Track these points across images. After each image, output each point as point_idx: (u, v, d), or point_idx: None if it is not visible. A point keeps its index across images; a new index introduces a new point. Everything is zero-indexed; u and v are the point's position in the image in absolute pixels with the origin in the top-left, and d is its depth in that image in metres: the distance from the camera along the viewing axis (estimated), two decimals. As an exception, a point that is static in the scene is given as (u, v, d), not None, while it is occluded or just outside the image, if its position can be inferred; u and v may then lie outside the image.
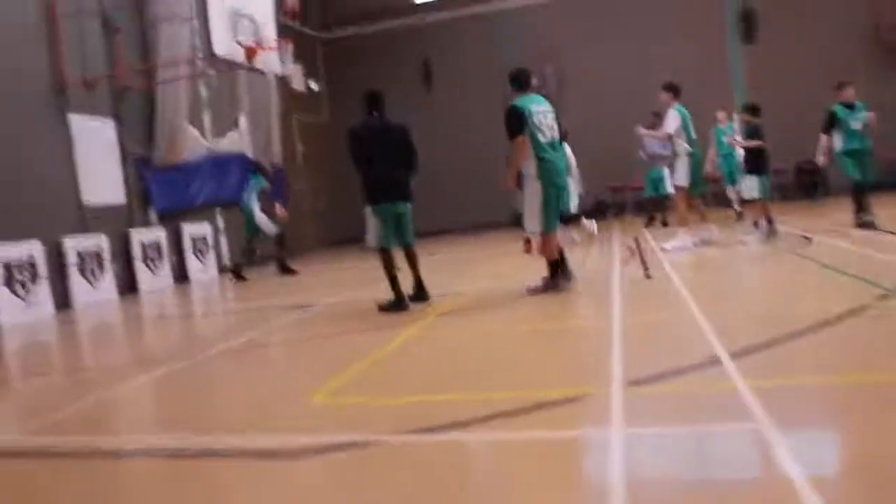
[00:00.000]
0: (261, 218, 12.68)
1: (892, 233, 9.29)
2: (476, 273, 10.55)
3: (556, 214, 7.32)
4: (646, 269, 8.49)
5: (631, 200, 19.53)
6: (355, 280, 11.26)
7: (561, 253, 7.45)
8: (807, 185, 18.59)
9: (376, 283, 8.00)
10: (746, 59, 19.71)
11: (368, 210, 7.34)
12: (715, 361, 4.11)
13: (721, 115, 14.28)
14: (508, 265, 10.32)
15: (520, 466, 3.04)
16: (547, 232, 7.20)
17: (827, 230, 10.16)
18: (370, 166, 7.20)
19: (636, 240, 12.01)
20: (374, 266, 7.72)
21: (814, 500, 2.39)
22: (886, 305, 5.27)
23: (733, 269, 8.60)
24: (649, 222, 14.63)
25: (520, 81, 7.29)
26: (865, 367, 4.04)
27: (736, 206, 14.00)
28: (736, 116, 13.93)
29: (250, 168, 14.05)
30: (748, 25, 19.77)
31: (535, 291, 7.37)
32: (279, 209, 13.18)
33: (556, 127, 7.24)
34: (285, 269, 13.03)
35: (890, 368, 3.92)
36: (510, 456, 3.21)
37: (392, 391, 4.41)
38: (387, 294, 7.37)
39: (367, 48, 21.20)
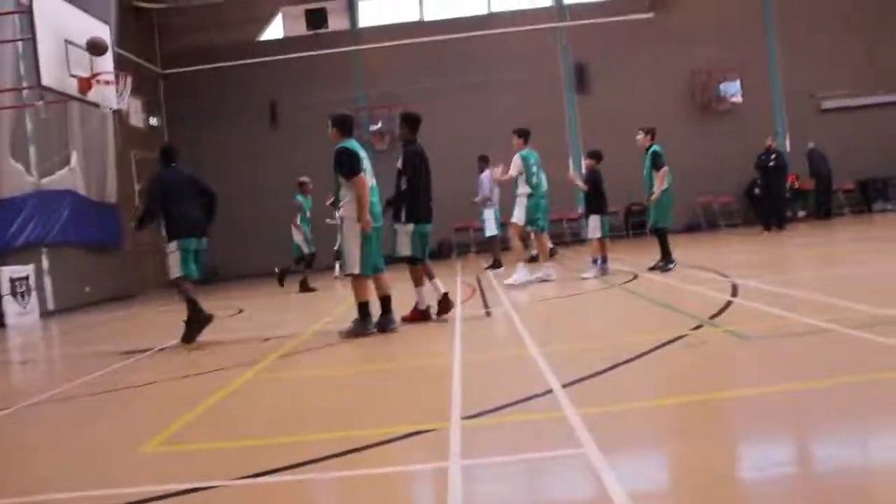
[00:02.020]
0: (298, 237, 13.38)
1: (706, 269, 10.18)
2: (319, 313, 10.47)
3: (372, 257, 7.30)
4: (486, 306, 8.79)
5: (474, 240, 20.16)
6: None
7: (386, 296, 7.45)
8: (635, 224, 20.05)
9: (220, 322, 7.76)
10: (580, 109, 21.09)
11: (173, 245, 8.00)
12: (548, 392, 4.34)
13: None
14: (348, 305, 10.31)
15: (362, 503, 3.07)
16: (362, 274, 7.24)
17: (650, 267, 10.93)
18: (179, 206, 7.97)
19: (477, 278, 12.40)
20: (217, 307, 7.51)
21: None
22: (700, 334, 5.77)
23: (567, 304, 9.06)
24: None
25: (346, 125, 7.38)
26: (682, 390, 4.42)
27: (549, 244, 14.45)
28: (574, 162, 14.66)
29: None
30: (581, 78, 21.18)
31: (348, 335, 7.27)
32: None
33: (373, 173, 7.48)
34: (305, 288, 13.36)
35: (704, 390, 4.34)
36: (352, 494, 3.23)
37: (230, 435, 4.31)
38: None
39: (212, 85, 20.71)
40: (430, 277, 7.90)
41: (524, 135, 10.69)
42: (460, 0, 21.99)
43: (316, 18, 21.62)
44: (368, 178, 7.24)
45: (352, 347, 6.97)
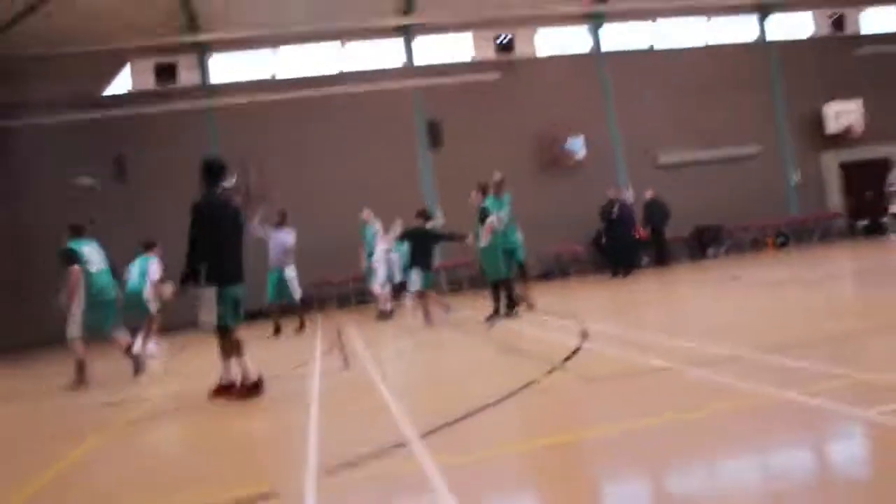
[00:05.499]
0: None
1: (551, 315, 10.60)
2: (166, 375, 10.00)
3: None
4: (345, 359, 8.72)
5: (335, 294, 20.01)
6: (31, 388, 10.04)
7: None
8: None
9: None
10: (434, 164, 21.63)
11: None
12: (405, 444, 4.35)
13: (366, 213, 14.63)
14: (196, 365, 9.94)
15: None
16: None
17: (503, 315, 11.23)
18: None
19: (338, 331, 12.29)
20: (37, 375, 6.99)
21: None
22: (552, 378, 5.99)
23: (423, 355, 9.13)
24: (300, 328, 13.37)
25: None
26: (536, 434, 4.57)
27: (383, 306, 14.28)
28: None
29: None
30: (434, 134, 21.78)
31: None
32: None
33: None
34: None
35: (556, 433, 4.51)
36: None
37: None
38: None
39: (55, 139, 19.60)
40: (241, 354, 6.98)
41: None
42: (312, 58, 22.14)
43: (165, 73, 21.10)
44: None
45: (200, 410, 6.67)
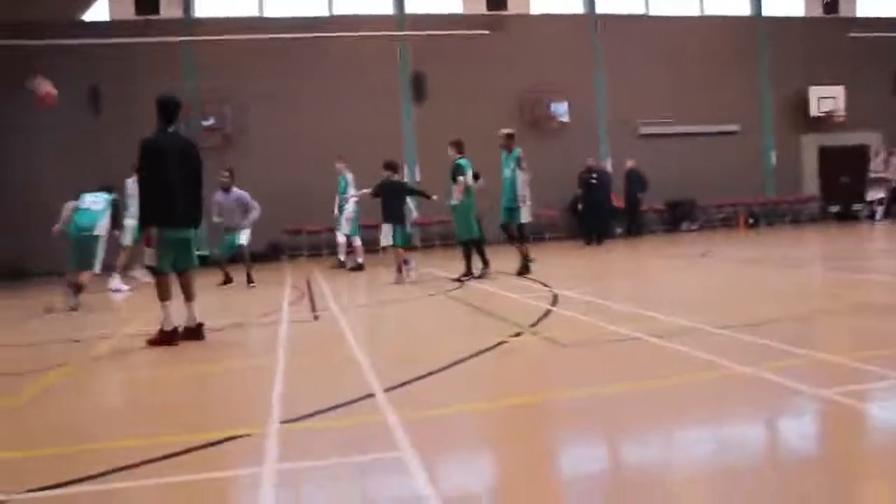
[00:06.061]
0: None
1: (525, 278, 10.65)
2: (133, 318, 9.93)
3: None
4: (314, 310, 8.70)
5: (306, 243, 19.90)
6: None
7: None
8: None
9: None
10: (416, 118, 21.42)
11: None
12: (369, 397, 4.36)
13: (340, 165, 14.47)
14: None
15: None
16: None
17: (476, 275, 11.25)
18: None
19: (307, 282, 12.26)
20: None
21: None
22: (519, 341, 6.03)
23: (393, 310, 9.13)
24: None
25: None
26: (499, 394, 4.62)
27: (340, 255, 14.54)
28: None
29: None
30: (418, 88, 21.52)
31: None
32: None
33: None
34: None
35: (519, 394, 4.55)
36: (164, 501, 3.11)
37: (24, 445, 3.98)
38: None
39: (29, 63, 18.99)
40: (188, 298, 6.90)
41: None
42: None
43: (146, 2, 20.51)
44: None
45: (165, 352, 6.63)
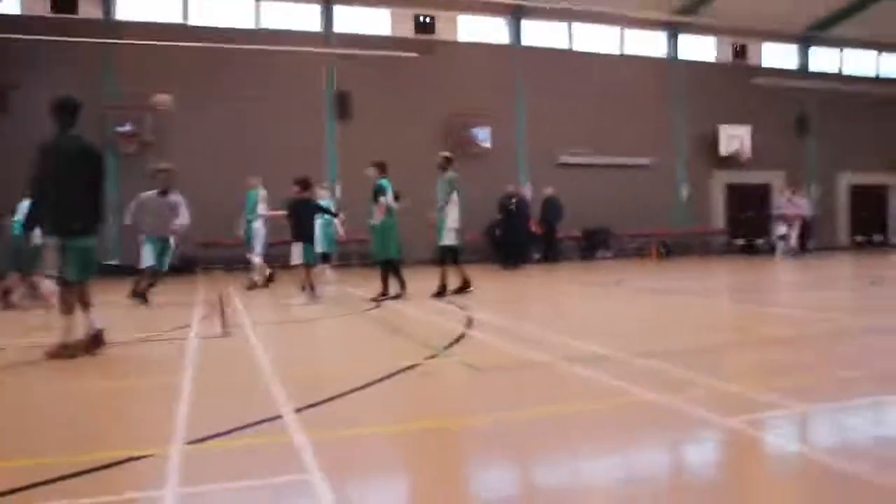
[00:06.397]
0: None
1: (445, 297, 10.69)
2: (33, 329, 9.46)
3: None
4: (224, 326, 8.48)
5: (221, 257, 19.44)
6: None
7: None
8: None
9: None
10: (340, 136, 21.32)
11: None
12: (278, 418, 4.26)
13: (253, 180, 14.14)
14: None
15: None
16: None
17: (391, 296, 11.22)
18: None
19: (220, 297, 11.95)
20: None
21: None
22: (433, 363, 6.02)
23: (304, 329, 9.00)
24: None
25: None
26: (409, 417, 4.58)
27: (255, 276, 14.03)
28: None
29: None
30: (343, 106, 21.45)
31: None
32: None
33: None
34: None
35: (432, 417, 4.53)
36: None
37: None
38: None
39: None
40: (85, 307, 6.67)
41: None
42: (228, 8, 21.31)
43: (65, 1, 19.81)
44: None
45: (63, 365, 6.32)
